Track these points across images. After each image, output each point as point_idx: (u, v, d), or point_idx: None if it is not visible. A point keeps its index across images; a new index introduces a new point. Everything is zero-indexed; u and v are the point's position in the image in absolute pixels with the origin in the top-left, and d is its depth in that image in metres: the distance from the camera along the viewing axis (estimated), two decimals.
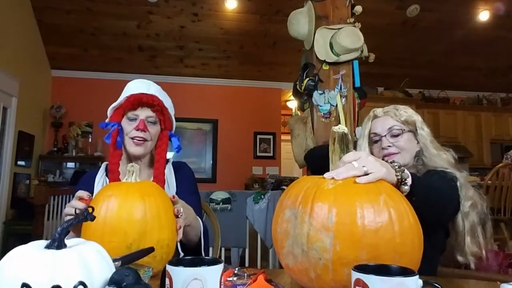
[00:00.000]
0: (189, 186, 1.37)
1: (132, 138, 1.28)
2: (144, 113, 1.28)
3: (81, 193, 1.04)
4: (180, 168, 1.42)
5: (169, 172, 1.37)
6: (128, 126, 1.28)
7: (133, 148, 1.29)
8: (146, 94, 1.28)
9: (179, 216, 1.01)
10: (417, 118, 1.31)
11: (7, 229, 4.26)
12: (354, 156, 0.80)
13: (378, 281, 0.52)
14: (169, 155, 1.39)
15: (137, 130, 1.26)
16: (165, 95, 1.38)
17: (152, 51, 5.24)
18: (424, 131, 1.29)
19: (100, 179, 1.33)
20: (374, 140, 1.31)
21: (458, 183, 1.16)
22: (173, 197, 1.03)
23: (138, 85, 1.32)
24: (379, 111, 1.35)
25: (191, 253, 1.24)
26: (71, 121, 5.44)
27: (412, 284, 0.53)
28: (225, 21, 4.82)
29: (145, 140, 1.29)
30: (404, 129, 1.28)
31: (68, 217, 1.00)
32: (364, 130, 1.35)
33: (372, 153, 1.32)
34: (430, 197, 0.97)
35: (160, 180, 1.27)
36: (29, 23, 4.62)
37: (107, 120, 1.33)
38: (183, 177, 1.39)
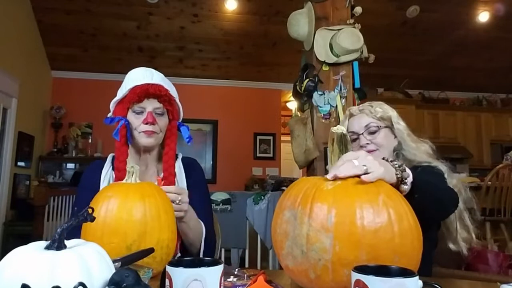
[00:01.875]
0: (201, 189, 1.32)
1: (141, 132, 1.21)
2: (151, 105, 1.20)
3: None
4: (190, 166, 1.35)
5: (178, 169, 1.30)
6: (135, 120, 1.20)
7: (143, 140, 1.21)
8: (152, 84, 1.19)
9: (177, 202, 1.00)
10: (392, 113, 1.33)
11: (7, 230, 4.26)
12: (353, 155, 0.80)
13: (378, 282, 0.52)
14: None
15: (146, 123, 1.18)
16: (169, 83, 1.29)
17: (152, 51, 5.24)
18: (401, 125, 1.31)
19: (107, 173, 1.26)
20: (352, 139, 1.32)
21: (445, 175, 1.17)
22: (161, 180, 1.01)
23: (141, 74, 1.23)
24: (354, 109, 1.36)
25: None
26: (71, 122, 5.44)
27: (412, 285, 0.53)
28: (225, 22, 4.82)
29: (154, 132, 1.21)
30: (380, 126, 1.29)
31: None
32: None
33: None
34: (435, 195, 0.97)
35: (170, 173, 1.21)
36: (29, 23, 4.62)
37: (109, 115, 1.26)
38: (195, 179, 1.32)
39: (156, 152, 1.31)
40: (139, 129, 1.20)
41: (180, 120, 1.33)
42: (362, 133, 1.28)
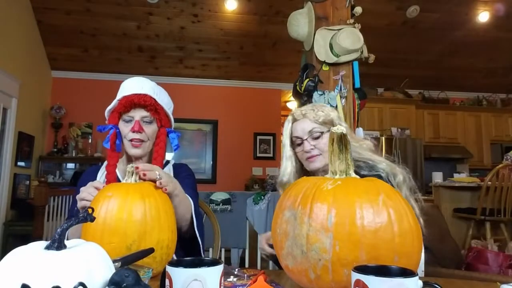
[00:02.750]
0: (186, 183, 1.35)
1: (130, 140, 1.28)
2: (138, 114, 1.27)
3: (97, 183, 1.07)
4: (180, 169, 1.43)
5: (168, 172, 1.37)
6: (124, 128, 1.28)
7: (131, 150, 1.29)
8: (138, 94, 1.27)
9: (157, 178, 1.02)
10: (334, 115, 1.34)
11: (7, 230, 4.26)
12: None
13: (378, 282, 0.52)
14: (169, 156, 1.38)
15: (133, 132, 1.26)
16: (160, 91, 1.36)
17: (152, 52, 5.25)
18: (342, 127, 1.32)
19: (101, 176, 1.34)
20: (296, 143, 1.34)
21: (386, 175, 1.21)
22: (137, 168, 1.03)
23: (131, 85, 1.31)
24: (298, 113, 1.36)
25: (187, 242, 1.22)
26: (71, 122, 5.44)
27: (412, 285, 0.53)
28: (225, 22, 4.82)
29: (142, 141, 1.29)
30: (323, 131, 1.30)
31: (85, 202, 1.05)
32: (286, 132, 1.37)
33: (296, 155, 1.36)
34: None
35: None
36: (29, 23, 4.62)
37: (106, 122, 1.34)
38: (182, 175, 1.39)
39: (146, 158, 1.37)
40: (128, 137, 1.28)
41: (172, 126, 1.39)
42: (306, 139, 1.30)
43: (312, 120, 1.31)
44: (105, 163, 1.37)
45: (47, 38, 4.95)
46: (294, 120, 1.36)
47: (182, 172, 1.41)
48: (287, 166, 1.35)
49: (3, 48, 4.08)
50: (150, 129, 1.30)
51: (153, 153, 1.32)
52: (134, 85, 1.31)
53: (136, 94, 1.26)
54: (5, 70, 4.12)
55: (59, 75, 5.50)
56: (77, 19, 4.63)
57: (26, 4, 4.45)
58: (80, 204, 1.07)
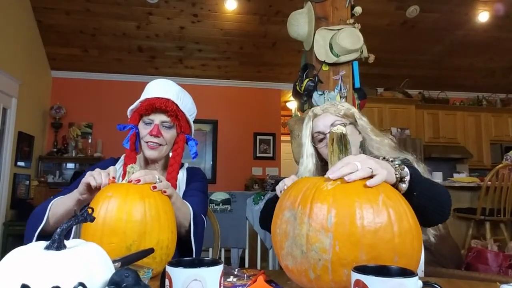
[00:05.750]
0: (195, 185, 1.36)
1: (147, 142, 1.27)
2: (159, 118, 1.27)
3: (112, 171, 1.02)
4: (194, 172, 1.42)
5: (182, 177, 1.36)
6: (143, 130, 1.28)
7: (148, 152, 1.28)
8: (161, 98, 1.25)
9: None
10: (354, 110, 1.34)
11: (7, 230, 4.26)
12: (354, 158, 0.79)
13: (378, 282, 0.52)
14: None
15: (151, 135, 1.25)
16: (185, 96, 1.34)
17: (152, 51, 5.25)
18: (363, 121, 1.32)
19: (120, 169, 1.33)
20: (319, 139, 1.31)
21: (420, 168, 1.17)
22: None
23: (155, 88, 1.30)
24: (318, 109, 1.34)
25: (182, 245, 1.21)
26: (71, 122, 5.44)
27: (412, 285, 0.53)
28: (225, 22, 4.83)
29: (159, 144, 1.28)
30: (346, 123, 1.28)
31: (91, 180, 0.99)
32: (306, 131, 1.34)
33: (318, 152, 1.33)
34: (432, 194, 0.95)
35: (172, 185, 1.24)
36: (28, 23, 4.62)
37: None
38: (193, 178, 1.39)
39: (163, 162, 1.37)
40: (145, 139, 1.28)
41: (192, 134, 1.38)
42: (329, 132, 1.27)
43: (333, 114, 1.29)
44: (123, 156, 1.36)
45: (47, 38, 4.95)
46: (315, 116, 1.34)
47: (195, 175, 1.40)
48: (308, 163, 1.32)
49: (3, 48, 4.08)
50: (169, 134, 1.29)
51: (170, 159, 1.31)
52: (159, 88, 1.29)
53: (158, 98, 1.26)
54: (5, 70, 4.12)
55: (58, 75, 5.51)
56: (77, 19, 4.63)
57: (26, 4, 4.45)
58: (85, 179, 1.02)
